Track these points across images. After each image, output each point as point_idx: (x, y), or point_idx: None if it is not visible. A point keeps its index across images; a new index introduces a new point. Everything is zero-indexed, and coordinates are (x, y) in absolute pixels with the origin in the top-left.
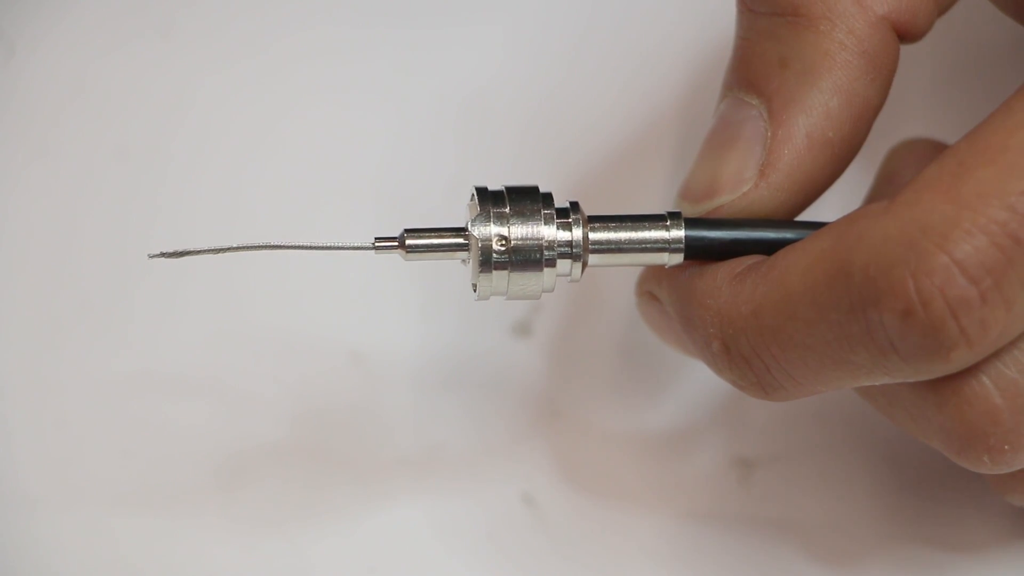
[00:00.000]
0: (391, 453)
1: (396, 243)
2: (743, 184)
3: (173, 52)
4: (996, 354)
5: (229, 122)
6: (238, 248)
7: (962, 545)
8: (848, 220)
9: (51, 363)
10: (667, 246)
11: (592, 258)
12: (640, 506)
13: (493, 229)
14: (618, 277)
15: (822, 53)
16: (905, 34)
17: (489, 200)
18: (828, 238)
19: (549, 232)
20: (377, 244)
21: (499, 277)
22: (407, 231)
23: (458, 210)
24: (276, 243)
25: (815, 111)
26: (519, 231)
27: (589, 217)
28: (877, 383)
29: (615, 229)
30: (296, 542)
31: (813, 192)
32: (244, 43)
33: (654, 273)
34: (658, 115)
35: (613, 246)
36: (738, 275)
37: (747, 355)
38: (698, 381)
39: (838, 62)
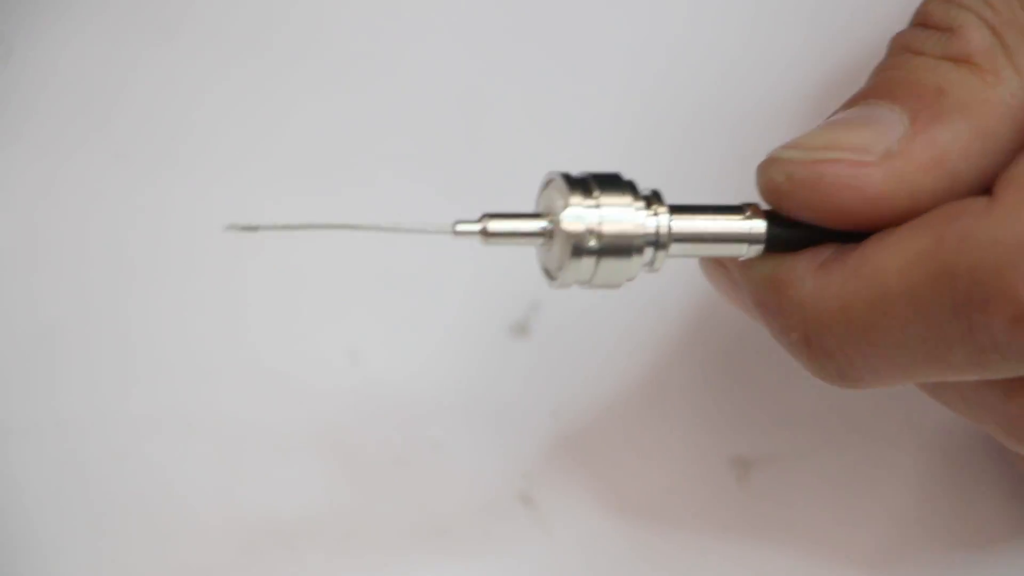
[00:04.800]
0: (387, 453)
1: (477, 228)
2: (865, 156)
3: (174, 52)
4: None
5: (232, 122)
6: (313, 226)
7: (962, 545)
8: (945, 217)
9: (49, 362)
10: (747, 238)
11: (673, 247)
12: (637, 506)
13: (584, 216)
14: None
15: (983, 100)
16: None
17: (578, 187)
18: (926, 237)
19: (639, 220)
20: (457, 229)
21: (587, 265)
22: (488, 215)
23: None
24: (352, 224)
25: (958, 140)
26: (610, 219)
27: (670, 206)
28: (964, 379)
29: (698, 219)
30: (292, 543)
31: (916, 207)
32: (248, 43)
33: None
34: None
35: (695, 237)
36: (821, 267)
37: (831, 350)
38: (696, 381)
39: (995, 113)
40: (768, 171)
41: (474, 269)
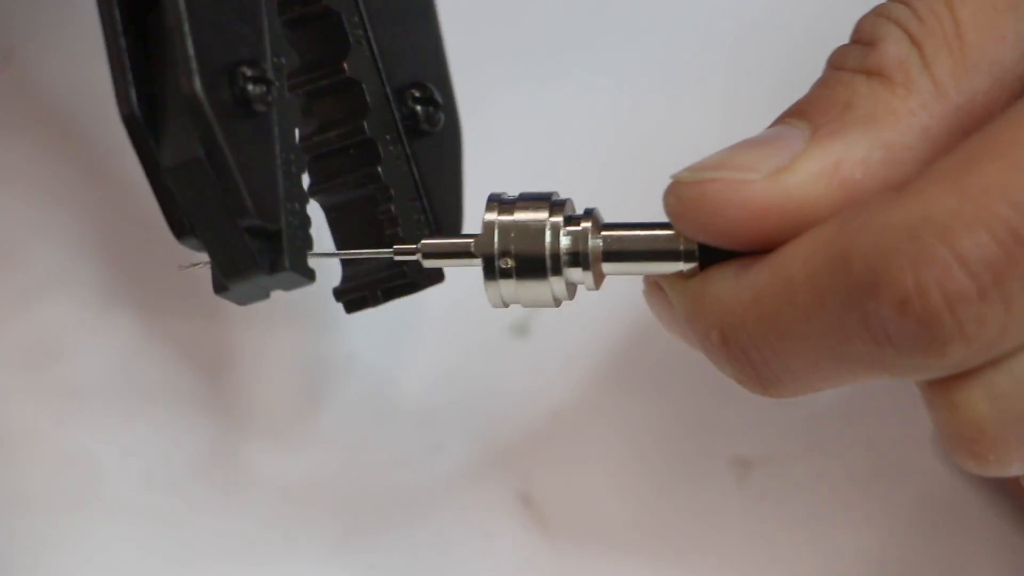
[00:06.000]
0: (387, 453)
1: (415, 251)
2: (749, 174)
3: None
4: (993, 362)
5: None
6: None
7: (961, 546)
8: (854, 207)
9: (49, 363)
10: (679, 255)
11: (606, 267)
12: (637, 506)
13: (497, 239)
14: (616, 277)
15: (889, 111)
16: (969, 128)
17: (496, 208)
18: (833, 226)
19: (552, 241)
20: (396, 251)
21: (507, 286)
22: (424, 242)
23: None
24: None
25: (855, 150)
26: (521, 241)
27: (604, 224)
28: (876, 379)
29: (628, 238)
30: (294, 543)
31: (814, 217)
32: None
33: None
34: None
35: (624, 254)
36: (743, 264)
37: (745, 345)
38: (696, 380)
39: (902, 124)
40: (665, 194)
41: (474, 269)
